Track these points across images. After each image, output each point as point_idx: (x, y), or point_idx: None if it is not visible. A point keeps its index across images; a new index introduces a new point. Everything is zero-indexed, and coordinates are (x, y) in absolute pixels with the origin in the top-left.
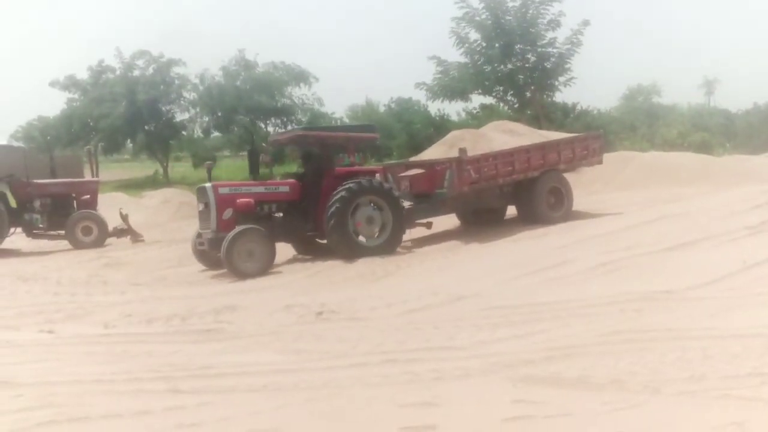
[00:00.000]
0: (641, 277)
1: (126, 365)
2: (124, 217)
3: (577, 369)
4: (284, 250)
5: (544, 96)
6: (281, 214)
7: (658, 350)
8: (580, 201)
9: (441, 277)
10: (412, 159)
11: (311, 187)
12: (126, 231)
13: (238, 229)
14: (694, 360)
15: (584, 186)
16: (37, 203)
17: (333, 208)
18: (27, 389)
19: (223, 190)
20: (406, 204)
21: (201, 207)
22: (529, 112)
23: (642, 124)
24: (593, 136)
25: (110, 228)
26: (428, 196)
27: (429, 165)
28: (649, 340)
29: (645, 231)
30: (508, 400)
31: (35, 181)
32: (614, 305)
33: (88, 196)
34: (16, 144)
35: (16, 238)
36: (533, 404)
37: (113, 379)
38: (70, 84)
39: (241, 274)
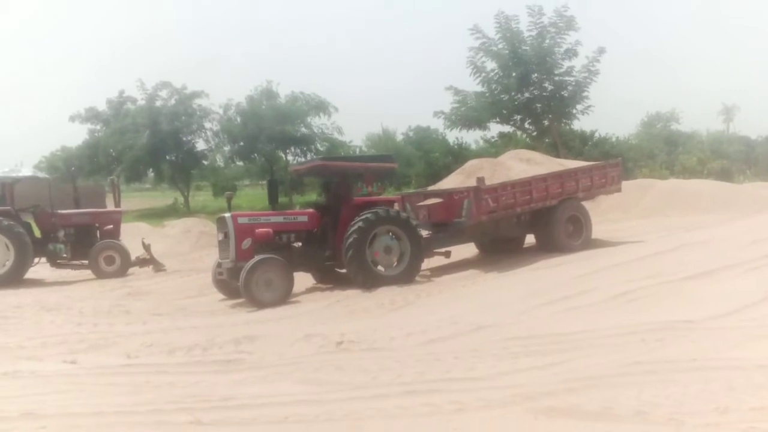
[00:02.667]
0: (662, 307)
1: (148, 396)
2: (147, 247)
3: (599, 400)
4: (303, 279)
5: (562, 124)
6: (300, 244)
7: (681, 381)
8: (599, 229)
9: (460, 306)
10: (431, 188)
11: (330, 217)
12: (148, 261)
13: (256, 258)
14: (718, 391)
15: (603, 214)
16: (61, 233)
17: (350, 240)
18: (50, 420)
19: (242, 220)
20: (425, 233)
21: (221, 237)
22: (547, 140)
23: (661, 152)
24: (612, 165)
25: (132, 257)
26: (446, 225)
27: (447, 194)
28: (672, 371)
29: (665, 260)
30: None
31: (59, 211)
32: (636, 335)
33: (112, 226)
34: (41, 175)
35: (40, 268)
36: None
37: (135, 411)
38: (91, 116)
39: (259, 304)
